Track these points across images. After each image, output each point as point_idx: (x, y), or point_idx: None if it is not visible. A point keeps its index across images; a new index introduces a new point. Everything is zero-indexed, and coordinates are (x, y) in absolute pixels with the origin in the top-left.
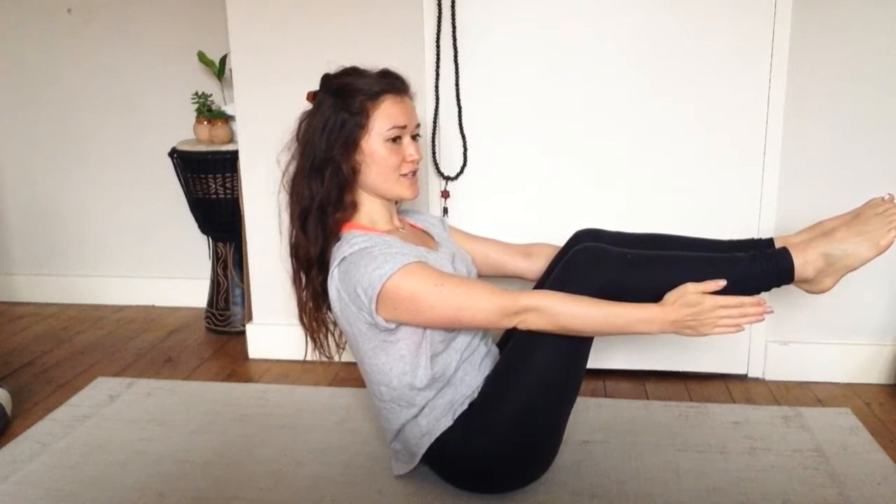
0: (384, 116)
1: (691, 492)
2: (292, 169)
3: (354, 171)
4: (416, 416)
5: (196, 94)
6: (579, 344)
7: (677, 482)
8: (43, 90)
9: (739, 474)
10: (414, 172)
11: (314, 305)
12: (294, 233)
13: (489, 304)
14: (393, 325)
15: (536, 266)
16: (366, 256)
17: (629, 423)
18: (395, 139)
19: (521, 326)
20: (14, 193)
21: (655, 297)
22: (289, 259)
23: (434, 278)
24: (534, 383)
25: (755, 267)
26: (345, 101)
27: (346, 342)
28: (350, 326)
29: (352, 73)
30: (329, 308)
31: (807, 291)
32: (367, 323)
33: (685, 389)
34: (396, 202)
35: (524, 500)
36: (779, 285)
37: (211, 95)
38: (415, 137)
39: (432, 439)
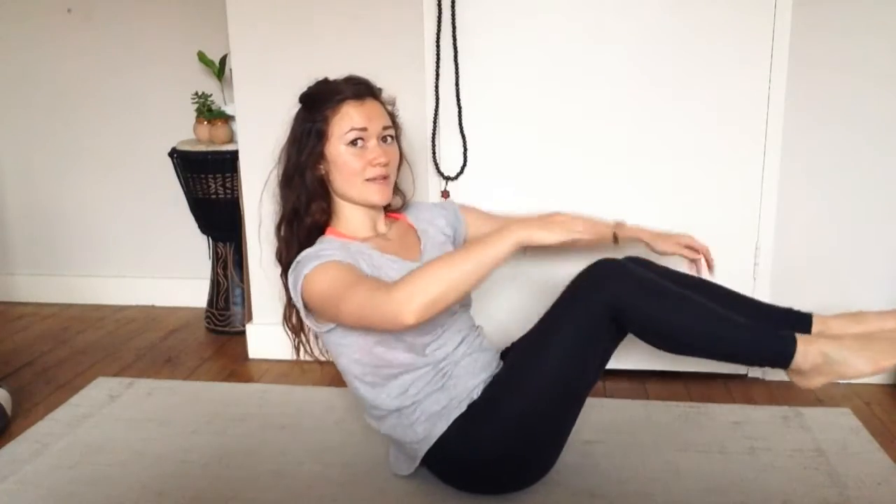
0: (342, 120)
1: (691, 492)
2: (274, 179)
3: (322, 180)
4: (411, 423)
5: (196, 94)
6: (592, 354)
7: (677, 482)
8: (43, 90)
9: (739, 474)
10: (384, 177)
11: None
12: (277, 239)
13: (374, 303)
14: (330, 326)
15: None
16: (303, 260)
17: (629, 423)
18: (356, 142)
19: (420, 316)
20: (14, 193)
21: (658, 328)
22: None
23: (347, 278)
24: (541, 390)
25: (761, 343)
26: (310, 112)
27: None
28: (313, 327)
29: (320, 83)
30: None
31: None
32: (314, 326)
33: (685, 389)
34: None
35: (524, 500)
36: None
37: (211, 95)
38: (385, 139)
39: (430, 443)
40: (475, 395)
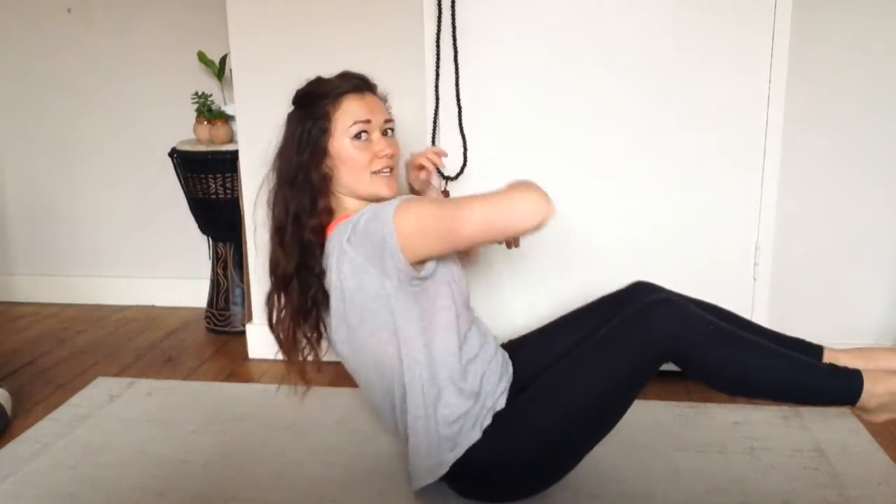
0: (345, 114)
1: (691, 492)
2: (270, 187)
3: (325, 178)
4: (437, 425)
5: (196, 94)
6: (637, 390)
7: (677, 482)
8: (43, 90)
9: (739, 474)
10: (391, 169)
11: (293, 323)
12: (273, 249)
13: (502, 205)
14: (421, 272)
15: None
16: (370, 215)
17: (629, 423)
18: (360, 135)
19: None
20: (14, 193)
21: (721, 379)
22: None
23: (443, 200)
24: (573, 410)
25: (829, 383)
26: (308, 110)
27: (324, 354)
28: (372, 303)
29: (314, 82)
30: (307, 320)
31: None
32: (395, 279)
33: (685, 389)
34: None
35: (524, 499)
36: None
37: (211, 95)
38: (386, 133)
39: (461, 452)
40: (499, 405)
